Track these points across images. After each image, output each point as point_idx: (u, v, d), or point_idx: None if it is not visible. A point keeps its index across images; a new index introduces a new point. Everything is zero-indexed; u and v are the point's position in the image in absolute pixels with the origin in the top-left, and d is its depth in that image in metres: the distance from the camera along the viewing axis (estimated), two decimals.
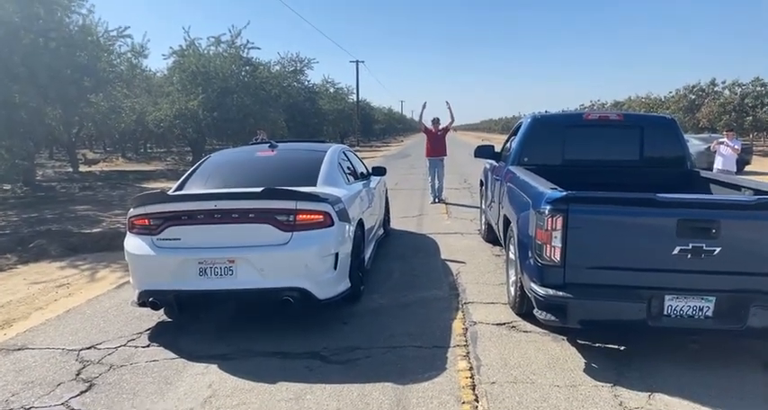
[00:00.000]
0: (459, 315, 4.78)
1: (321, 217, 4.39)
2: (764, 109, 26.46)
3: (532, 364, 3.79)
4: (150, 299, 4.32)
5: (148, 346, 4.26)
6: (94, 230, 9.44)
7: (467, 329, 4.45)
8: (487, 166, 7.92)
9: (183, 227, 4.32)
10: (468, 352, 4.00)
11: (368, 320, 4.71)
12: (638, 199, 3.63)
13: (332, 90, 48.43)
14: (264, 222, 4.26)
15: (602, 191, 3.94)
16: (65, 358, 4.07)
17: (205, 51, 23.34)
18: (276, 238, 4.25)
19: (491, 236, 7.33)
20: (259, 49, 24.46)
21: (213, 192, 4.70)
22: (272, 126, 23.95)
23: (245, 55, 24.30)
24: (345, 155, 6.55)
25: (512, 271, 4.82)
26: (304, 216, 4.33)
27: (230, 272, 4.22)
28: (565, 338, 4.21)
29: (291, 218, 4.29)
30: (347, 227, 4.78)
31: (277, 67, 34.66)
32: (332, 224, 4.43)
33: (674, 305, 3.56)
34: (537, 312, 3.85)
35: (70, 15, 13.81)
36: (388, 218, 8.45)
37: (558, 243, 3.64)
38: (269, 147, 6.13)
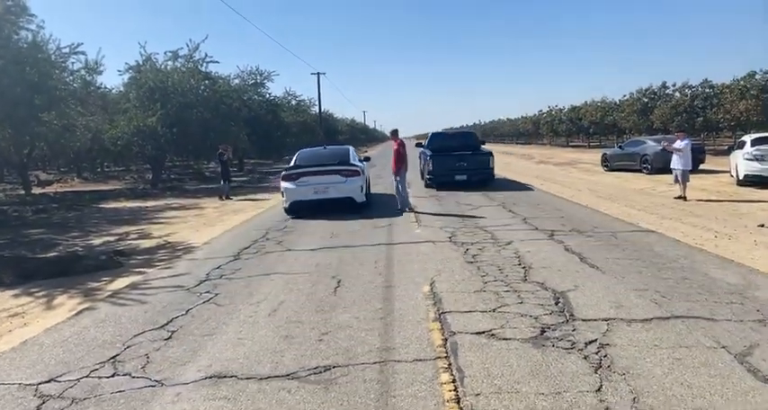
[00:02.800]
0: (437, 325, 4.70)
1: (358, 171, 12.07)
2: (714, 109, 27.48)
3: (515, 373, 3.73)
4: (294, 207, 11.76)
5: (113, 376, 4.02)
6: (50, 254, 9.03)
7: (446, 340, 4.37)
8: (420, 150, 19.23)
9: (307, 176, 11.59)
10: (449, 364, 3.91)
11: (343, 335, 4.57)
12: (452, 155, 16.11)
13: (294, 102, 48.21)
14: (337, 174, 11.70)
15: (445, 153, 16.44)
16: (22, 393, 3.80)
17: (162, 66, 22.89)
18: (342, 180, 11.68)
19: (424, 180, 17.43)
20: (218, 62, 24.37)
21: (318, 164, 12.10)
22: (233, 140, 23.59)
23: (203, 69, 23.96)
24: (354, 150, 14.32)
25: (424, 178, 17.48)
26: (351, 172, 11.93)
27: (326, 192, 11.55)
28: (545, 345, 4.17)
29: (347, 172, 11.83)
30: (365, 177, 12.28)
31: (236, 81, 34.25)
32: (361, 175, 12.10)
33: (458, 177, 15.72)
34: (425, 185, 16.70)
35: (19, 32, 13.33)
36: (369, 186, 14.02)
37: (431, 167, 16.20)
38: (323, 148, 14.39)
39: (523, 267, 6.52)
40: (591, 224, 9.39)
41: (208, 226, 12.02)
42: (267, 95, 37.07)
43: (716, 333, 4.28)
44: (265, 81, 35.40)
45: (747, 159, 14.01)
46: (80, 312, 5.69)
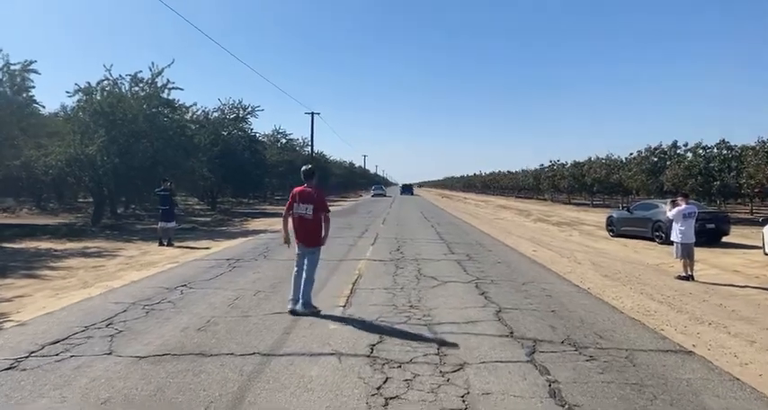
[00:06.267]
0: None
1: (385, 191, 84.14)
2: (732, 173, 24.65)
3: None
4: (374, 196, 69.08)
5: None
6: None
7: None
8: (399, 188, 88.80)
9: (376, 191, 73.25)
10: None
11: None
12: (405, 188, 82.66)
13: (283, 141, 46.03)
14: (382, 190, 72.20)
15: (404, 187, 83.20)
16: None
17: (118, 90, 20.38)
18: (384, 190, 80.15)
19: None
20: (181, 89, 21.74)
21: (378, 188, 76.48)
22: (188, 175, 20.80)
23: (165, 96, 21.44)
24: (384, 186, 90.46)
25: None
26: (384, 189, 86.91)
27: (381, 193, 69.55)
28: None
29: (384, 188, 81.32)
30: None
31: (216, 114, 31.96)
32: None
33: (407, 194, 74.74)
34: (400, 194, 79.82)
35: None
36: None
37: (399, 191, 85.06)
38: (379, 185, 78.59)
39: None
40: (594, 329, 6.32)
41: (84, 287, 9.03)
42: (249, 131, 34.56)
43: None
44: (248, 116, 33.07)
45: None
46: None
